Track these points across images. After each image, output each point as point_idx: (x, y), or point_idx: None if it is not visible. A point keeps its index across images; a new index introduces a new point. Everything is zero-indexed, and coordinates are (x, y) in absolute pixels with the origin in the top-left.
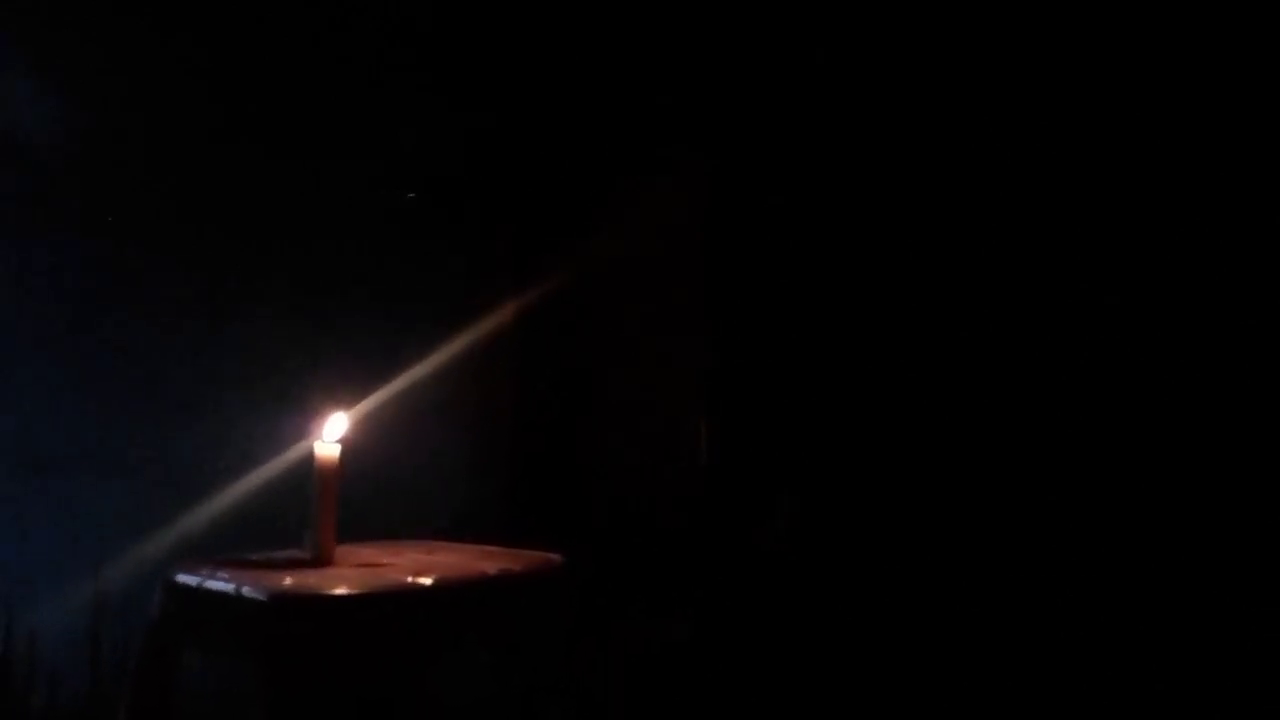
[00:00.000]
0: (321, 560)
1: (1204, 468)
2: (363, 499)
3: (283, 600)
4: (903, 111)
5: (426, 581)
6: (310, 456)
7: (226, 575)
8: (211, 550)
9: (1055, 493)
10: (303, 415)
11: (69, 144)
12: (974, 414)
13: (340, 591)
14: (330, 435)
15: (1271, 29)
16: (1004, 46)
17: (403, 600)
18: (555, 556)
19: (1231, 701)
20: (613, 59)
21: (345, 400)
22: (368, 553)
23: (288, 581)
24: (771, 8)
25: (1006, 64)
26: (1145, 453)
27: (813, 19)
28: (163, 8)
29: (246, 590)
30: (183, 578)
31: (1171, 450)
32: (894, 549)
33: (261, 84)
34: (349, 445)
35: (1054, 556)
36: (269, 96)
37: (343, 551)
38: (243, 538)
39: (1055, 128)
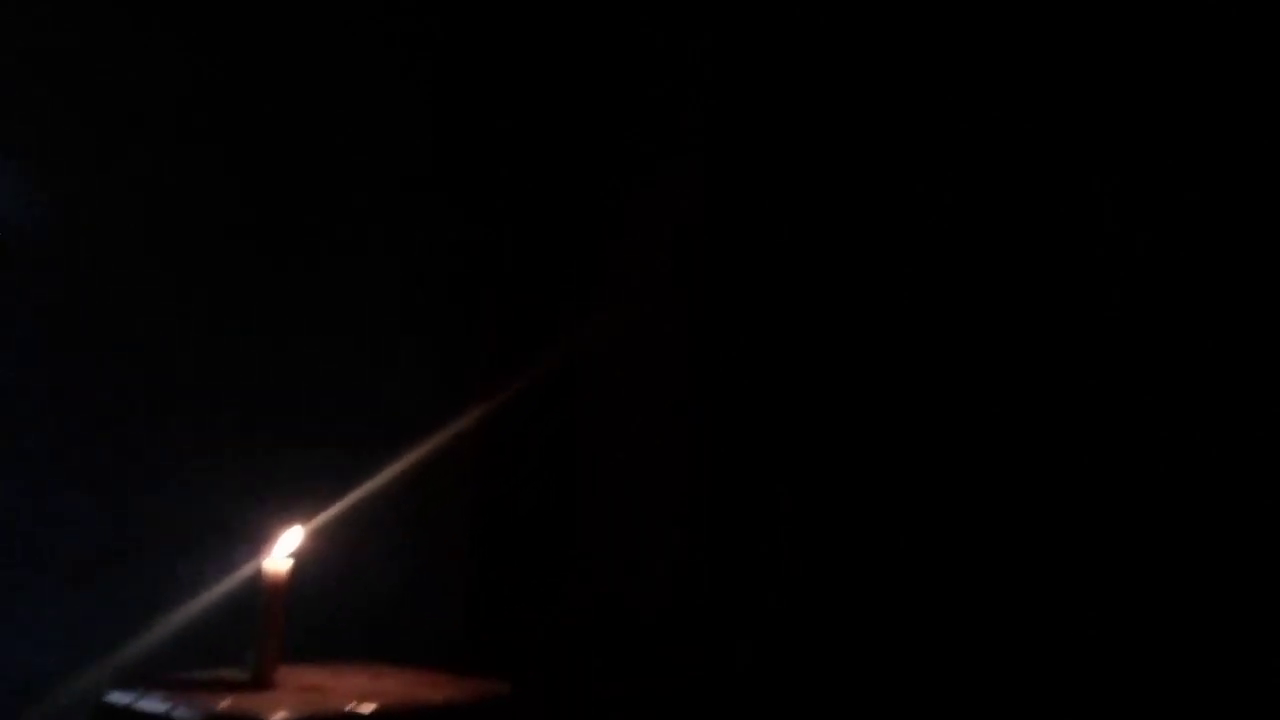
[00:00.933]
0: (262, 682)
1: (1202, 478)
2: (312, 617)
3: None
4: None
5: (367, 710)
6: (259, 573)
7: (161, 695)
8: (155, 669)
9: (1068, 526)
10: (255, 530)
11: (38, 242)
12: (988, 491)
13: (275, 717)
14: (280, 551)
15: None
16: (1002, 59)
17: None
18: (504, 686)
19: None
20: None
21: (298, 516)
22: (311, 675)
23: (223, 704)
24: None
25: (1007, 78)
26: (1160, 457)
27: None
28: (142, 109)
29: (179, 712)
30: (115, 697)
31: (1175, 458)
32: (900, 605)
33: (229, 194)
34: (300, 562)
35: (1072, 595)
36: (236, 207)
37: (285, 673)
38: (188, 658)
39: (1052, 133)
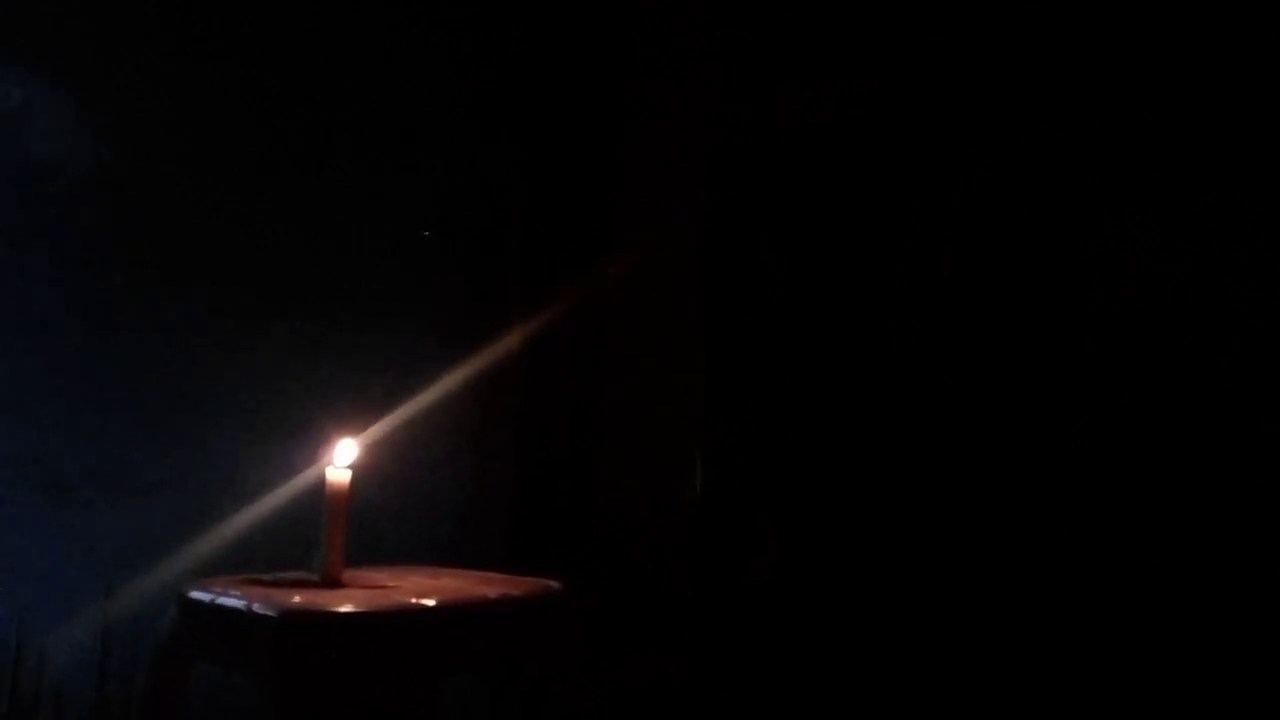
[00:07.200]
0: (330, 582)
1: (1202, 478)
2: (370, 524)
3: (292, 616)
4: (896, 169)
5: (430, 603)
6: (320, 481)
7: (238, 593)
8: (222, 572)
9: (1039, 526)
10: (313, 440)
11: (86, 168)
12: (963, 452)
13: (347, 609)
14: (341, 460)
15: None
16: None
17: (407, 619)
18: (555, 583)
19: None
20: (616, 89)
21: (354, 426)
22: (374, 576)
23: (297, 599)
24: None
25: (1009, 76)
26: (1158, 458)
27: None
28: (184, 36)
29: (257, 607)
30: (196, 594)
31: (1174, 459)
32: (883, 585)
33: (270, 112)
34: (358, 470)
35: (1040, 589)
36: (278, 124)
37: (350, 575)
38: (253, 561)
39: (1052, 134)
